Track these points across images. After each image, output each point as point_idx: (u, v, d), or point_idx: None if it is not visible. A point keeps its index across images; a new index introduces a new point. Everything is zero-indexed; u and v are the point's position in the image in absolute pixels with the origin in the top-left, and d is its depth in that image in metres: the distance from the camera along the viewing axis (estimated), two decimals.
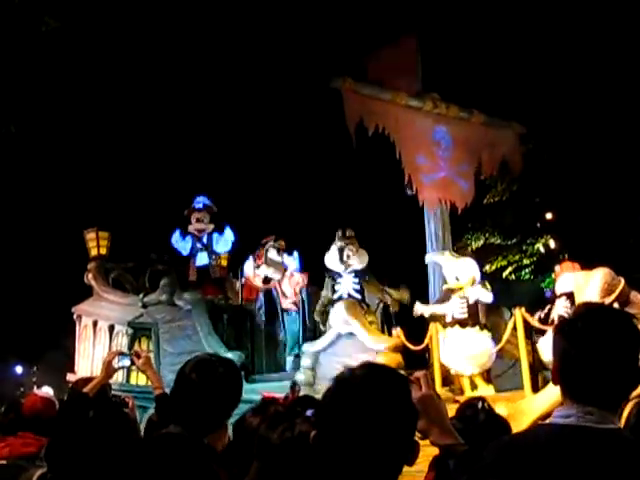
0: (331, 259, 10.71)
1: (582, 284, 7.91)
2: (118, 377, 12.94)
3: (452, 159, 12.33)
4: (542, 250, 16.35)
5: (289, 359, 11.57)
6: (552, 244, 17.33)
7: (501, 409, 7.79)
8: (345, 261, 10.53)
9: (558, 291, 9.30)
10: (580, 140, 15.33)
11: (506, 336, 8.93)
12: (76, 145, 17.58)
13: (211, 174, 17.27)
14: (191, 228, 13.44)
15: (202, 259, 13.35)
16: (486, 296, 9.56)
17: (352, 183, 15.35)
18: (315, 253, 11.52)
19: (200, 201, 13.66)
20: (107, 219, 15.15)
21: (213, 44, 16.99)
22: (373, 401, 1.85)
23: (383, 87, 11.77)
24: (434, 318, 10.02)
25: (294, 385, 9.54)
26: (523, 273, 17.63)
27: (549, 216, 15.57)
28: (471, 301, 9.47)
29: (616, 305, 7.54)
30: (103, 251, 14.44)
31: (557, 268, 9.54)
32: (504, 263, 16.62)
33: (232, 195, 16.48)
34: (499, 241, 16.77)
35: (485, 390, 8.71)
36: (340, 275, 10.59)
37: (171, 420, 2.84)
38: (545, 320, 8.78)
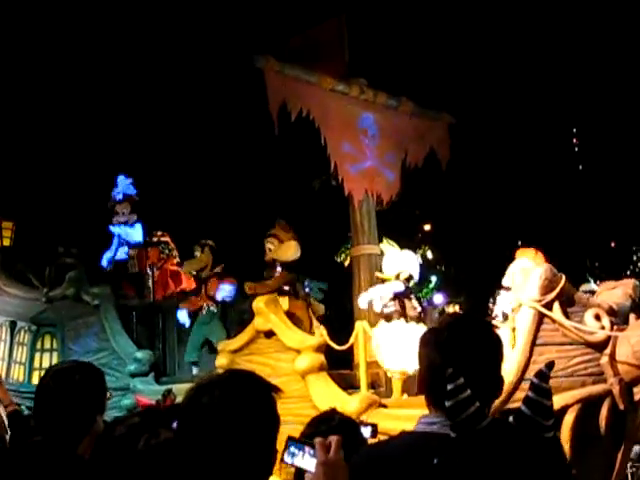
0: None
1: (521, 279, 7.37)
2: (19, 377, 12.09)
3: (379, 148, 11.77)
4: (420, 261, 16.15)
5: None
6: (429, 255, 17.37)
7: None
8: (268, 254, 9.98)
9: (504, 282, 8.77)
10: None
11: None
12: None
13: (126, 161, 16.37)
14: (115, 222, 12.65)
15: (121, 253, 12.55)
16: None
17: (274, 171, 14.64)
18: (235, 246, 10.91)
19: (120, 191, 12.87)
20: (11, 207, 14.09)
21: (133, 19, 16.08)
22: (229, 407, 1.89)
23: (308, 69, 11.11)
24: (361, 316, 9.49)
25: (168, 393, 9.03)
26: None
27: (427, 227, 15.39)
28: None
29: (557, 304, 7.08)
30: (7, 242, 13.53)
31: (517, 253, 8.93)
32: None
33: (146, 182, 15.61)
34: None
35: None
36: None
37: (29, 435, 2.89)
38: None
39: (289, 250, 10.28)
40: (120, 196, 12.86)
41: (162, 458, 2.35)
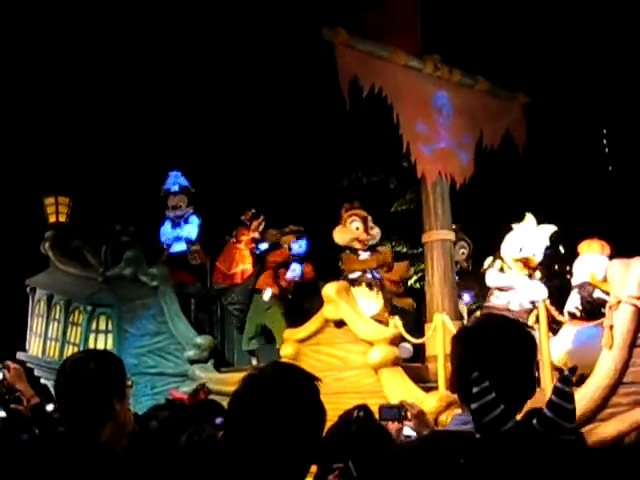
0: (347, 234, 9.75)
1: (619, 274, 6.71)
2: (54, 353, 11.78)
3: (453, 128, 11.09)
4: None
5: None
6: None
7: None
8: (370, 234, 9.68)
9: (576, 279, 8.18)
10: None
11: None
12: (35, 101, 16.12)
13: (183, 140, 15.95)
14: (169, 214, 12.11)
15: (179, 246, 12.02)
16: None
17: (343, 150, 14.05)
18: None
19: (176, 182, 12.25)
20: (68, 184, 13.75)
21: None
22: (280, 400, 1.88)
23: (381, 44, 10.49)
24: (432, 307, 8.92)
25: (201, 387, 8.63)
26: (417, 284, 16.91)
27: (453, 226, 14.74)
28: None
29: None
30: (62, 218, 13.18)
31: (583, 245, 8.33)
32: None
33: (207, 167, 15.13)
34: (405, 249, 16.04)
35: None
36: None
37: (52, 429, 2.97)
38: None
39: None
40: (176, 187, 12.19)
41: (205, 454, 2.51)
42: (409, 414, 3.63)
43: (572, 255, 8.68)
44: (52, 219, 13.11)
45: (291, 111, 14.81)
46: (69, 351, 11.64)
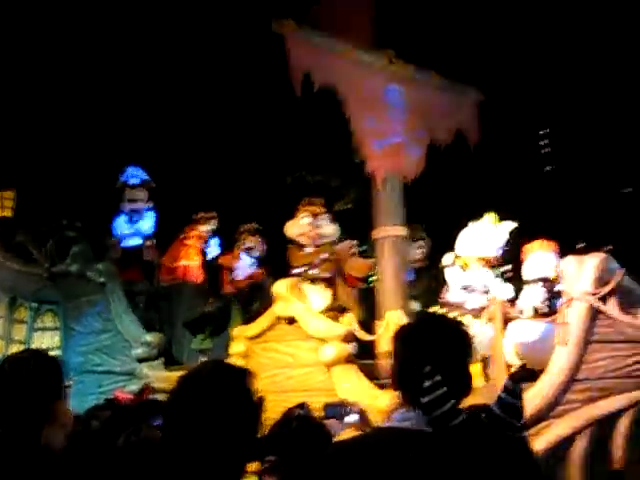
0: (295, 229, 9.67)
1: (573, 271, 6.73)
2: None
3: (405, 124, 11.03)
4: None
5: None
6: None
7: None
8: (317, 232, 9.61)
9: (528, 275, 8.21)
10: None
11: None
12: None
13: (137, 131, 15.62)
14: (126, 208, 11.84)
15: (133, 241, 11.84)
16: None
17: (289, 147, 13.90)
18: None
19: (135, 175, 12.06)
20: (13, 176, 13.40)
21: None
22: (214, 398, 1.92)
23: (333, 37, 10.39)
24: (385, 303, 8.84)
25: (146, 387, 8.51)
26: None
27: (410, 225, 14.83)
28: None
29: (613, 299, 6.49)
30: (7, 213, 12.87)
31: (527, 247, 8.40)
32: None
33: (162, 160, 14.86)
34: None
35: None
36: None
37: None
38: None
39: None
40: (136, 180, 11.99)
41: (143, 455, 2.47)
42: (351, 412, 3.79)
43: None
44: None
45: (237, 105, 14.65)
46: (14, 349, 11.35)
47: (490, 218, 9.06)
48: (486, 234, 8.90)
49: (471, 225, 9.13)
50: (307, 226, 9.83)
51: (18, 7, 14.62)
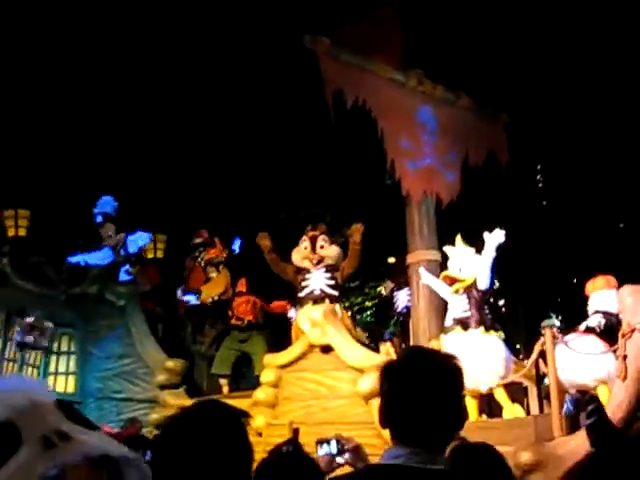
0: (297, 255, 9.46)
1: (632, 301, 6.31)
2: None
3: (438, 146, 10.77)
4: (383, 292, 15.28)
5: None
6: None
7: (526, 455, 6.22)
8: (317, 253, 9.25)
9: (592, 309, 7.83)
10: None
11: None
12: None
13: (151, 146, 15.39)
14: (106, 244, 11.80)
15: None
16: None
17: (325, 164, 13.57)
18: None
19: (99, 212, 12.11)
20: (28, 196, 13.06)
21: None
22: (203, 439, 1.86)
23: (364, 56, 10.13)
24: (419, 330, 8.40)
25: (133, 421, 8.21)
26: (364, 315, 17.11)
27: (391, 260, 14.52)
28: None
29: None
30: (22, 232, 12.48)
31: (589, 285, 7.98)
32: (346, 304, 15.77)
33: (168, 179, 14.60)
34: None
35: (511, 411, 7.04)
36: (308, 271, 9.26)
37: None
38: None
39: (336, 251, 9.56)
40: (99, 218, 12.03)
41: None
42: (346, 448, 3.43)
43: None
44: (11, 233, 12.39)
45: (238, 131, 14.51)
46: (27, 374, 10.89)
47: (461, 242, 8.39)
48: (463, 257, 8.27)
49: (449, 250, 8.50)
50: (305, 250, 9.61)
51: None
